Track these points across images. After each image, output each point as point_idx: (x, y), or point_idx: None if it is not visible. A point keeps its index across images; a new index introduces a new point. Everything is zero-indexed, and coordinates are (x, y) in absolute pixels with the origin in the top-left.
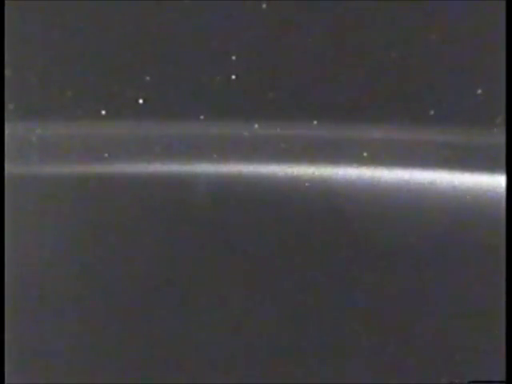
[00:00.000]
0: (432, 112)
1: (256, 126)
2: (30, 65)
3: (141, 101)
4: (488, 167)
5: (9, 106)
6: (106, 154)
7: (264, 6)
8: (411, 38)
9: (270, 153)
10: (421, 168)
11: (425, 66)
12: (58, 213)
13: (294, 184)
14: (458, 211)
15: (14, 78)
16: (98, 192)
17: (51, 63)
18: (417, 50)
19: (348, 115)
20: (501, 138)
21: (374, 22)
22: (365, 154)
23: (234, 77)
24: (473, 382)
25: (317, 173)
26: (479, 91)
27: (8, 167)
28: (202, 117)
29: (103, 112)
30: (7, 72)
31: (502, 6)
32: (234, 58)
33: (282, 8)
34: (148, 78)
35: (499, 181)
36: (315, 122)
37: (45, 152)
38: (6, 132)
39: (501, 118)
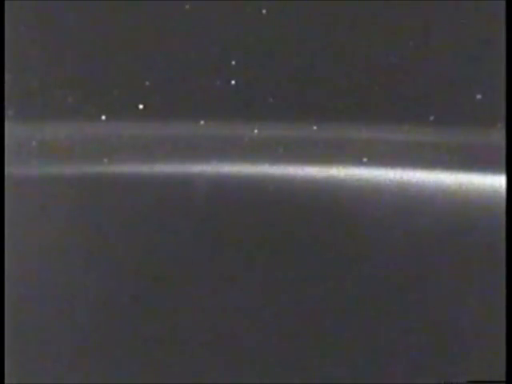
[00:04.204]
0: (432, 118)
1: (256, 130)
2: (30, 70)
3: (141, 106)
4: (488, 167)
5: (8, 112)
6: (106, 156)
7: (264, 11)
8: (411, 42)
9: (269, 157)
10: (421, 169)
11: (424, 71)
12: (58, 214)
13: (294, 186)
14: (458, 211)
15: (14, 82)
16: (98, 194)
17: (51, 69)
18: (416, 55)
19: (347, 120)
20: (501, 138)
21: (373, 27)
22: (364, 160)
23: (233, 82)
24: (473, 382)
25: (317, 175)
26: (479, 96)
27: (8, 169)
28: (202, 122)
29: (103, 117)
30: (7, 77)
31: (502, 7)
32: (233, 63)
33: (282, 13)
34: (148, 83)
35: (499, 181)
36: (315, 128)
37: (44, 155)
38: (6, 135)
39: (501, 124)
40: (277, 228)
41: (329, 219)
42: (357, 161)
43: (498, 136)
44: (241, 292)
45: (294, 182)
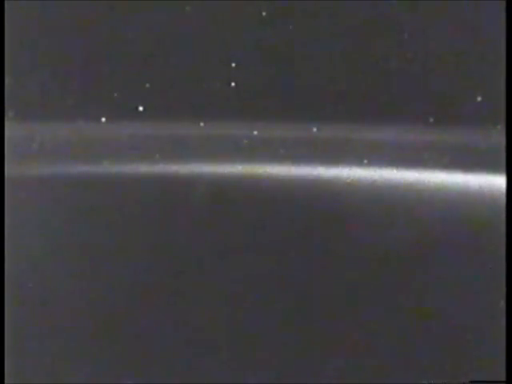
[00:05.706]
0: (432, 119)
1: (255, 132)
2: (31, 72)
3: (141, 108)
4: (488, 168)
5: (9, 113)
6: (106, 157)
7: (264, 13)
8: (411, 43)
9: (269, 157)
10: (421, 169)
11: (424, 73)
12: (58, 215)
13: (294, 186)
14: (458, 211)
15: (14, 84)
16: (98, 194)
17: (52, 70)
18: (416, 56)
19: (347, 121)
20: (501, 139)
21: (373, 30)
22: (365, 161)
23: (233, 84)
24: (473, 382)
25: (317, 176)
26: (479, 98)
27: (8, 169)
28: (201, 124)
29: (103, 119)
30: (8, 78)
31: (502, 7)
32: (233, 65)
33: (282, 16)
34: (148, 85)
35: (499, 181)
36: (315, 129)
37: (44, 155)
38: (6, 135)
39: (501, 126)
40: (276, 228)
41: (329, 219)
42: (357, 161)
43: (498, 137)
44: (241, 291)
45: (293, 182)
